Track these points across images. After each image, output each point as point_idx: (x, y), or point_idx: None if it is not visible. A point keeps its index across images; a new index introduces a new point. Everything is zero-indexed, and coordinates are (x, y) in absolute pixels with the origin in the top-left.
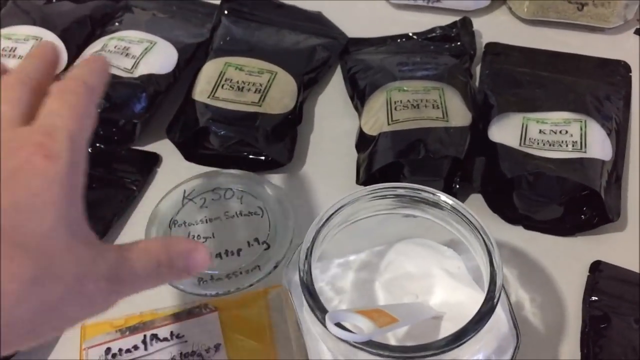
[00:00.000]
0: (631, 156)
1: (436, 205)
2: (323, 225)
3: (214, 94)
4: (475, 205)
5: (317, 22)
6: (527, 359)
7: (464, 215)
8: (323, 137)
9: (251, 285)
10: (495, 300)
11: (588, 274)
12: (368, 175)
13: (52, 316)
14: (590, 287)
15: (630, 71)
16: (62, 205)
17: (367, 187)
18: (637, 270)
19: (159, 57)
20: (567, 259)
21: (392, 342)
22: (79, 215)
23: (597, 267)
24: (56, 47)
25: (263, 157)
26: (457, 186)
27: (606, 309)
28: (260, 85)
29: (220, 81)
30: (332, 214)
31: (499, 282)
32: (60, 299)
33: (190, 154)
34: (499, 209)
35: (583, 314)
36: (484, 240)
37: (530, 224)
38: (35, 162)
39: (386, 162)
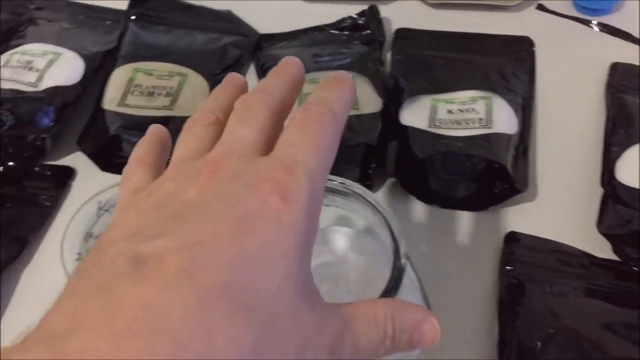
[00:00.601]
0: (538, 127)
1: (339, 192)
2: None
3: (124, 101)
4: (392, 189)
5: (227, 21)
6: (446, 332)
7: (364, 198)
8: None
9: None
10: (400, 270)
11: (503, 245)
12: None
13: None
14: (506, 258)
15: (533, 46)
16: (293, 260)
17: None
18: (549, 237)
19: (64, 69)
20: (484, 233)
21: None
22: (308, 271)
23: (511, 238)
24: (301, 64)
25: None
26: (373, 172)
27: (521, 277)
28: (171, 88)
29: (130, 88)
30: None
31: (402, 252)
32: None
33: (106, 164)
34: (414, 191)
35: (499, 284)
36: (385, 220)
37: (446, 203)
38: (271, 203)
39: None
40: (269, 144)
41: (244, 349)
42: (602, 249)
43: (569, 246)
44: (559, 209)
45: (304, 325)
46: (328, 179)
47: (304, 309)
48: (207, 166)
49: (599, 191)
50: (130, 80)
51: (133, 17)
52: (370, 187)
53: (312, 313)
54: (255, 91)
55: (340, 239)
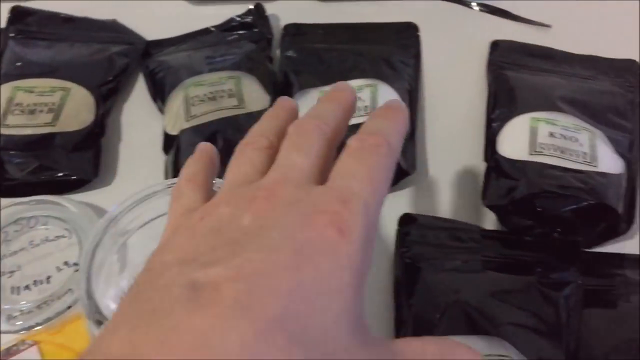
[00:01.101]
0: (426, 110)
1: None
2: (97, 245)
3: (4, 121)
4: None
5: (112, 31)
6: None
7: None
8: (132, 145)
9: (69, 308)
10: None
11: (397, 227)
12: (175, 175)
13: None
14: (401, 240)
15: (418, 31)
16: (348, 295)
17: (138, 193)
18: (442, 215)
19: None
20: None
21: None
22: (361, 306)
23: (405, 220)
24: (354, 91)
25: (70, 178)
26: None
27: (416, 257)
28: (53, 104)
29: (10, 107)
30: (106, 226)
31: None
32: None
33: None
34: None
35: (395, 266)
36: None
37: None
38: (328, 236)
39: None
40: (322, 172)
41: None
42: (492, 222)
43: (461, 222)
44: (449, 187)
45: None
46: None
47: (357, 345)
48: (262, 192)
49: (484, 166)
50: (10, 100)
51: (12, 35)
52: None
53: (364, 349)
54: (309, 117)
55: None
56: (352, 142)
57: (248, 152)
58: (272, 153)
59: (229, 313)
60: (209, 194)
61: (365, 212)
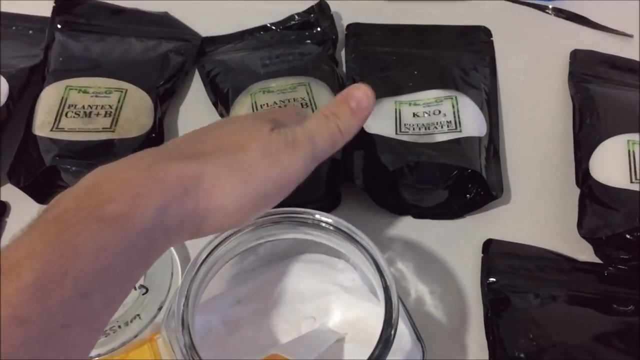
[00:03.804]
0: (505, 124)
1: (317, 226)
2: (198, 269)
3: (58, 125)
4: (362, 202)
5: (165, 25)
6: (435, 356)
7: (350, 236)
8: None
9: (136, 336)
10: (394, 322)
11: (482, 254)
12: None
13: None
14: (486, 268)
15: (491, 36)
16: None
17: None
18: (528, 242)
19: None
20: (460, 242)
21: None
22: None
23: (489, 246)
24: None
25: None
26: (340, 186)
27: (504, 289)
28: (110, 107)
29: (63, 109)
30: (206, 256)
31: (394, 301)
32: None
33: (43, 195)
34: (385, 203)
35: (483, 298)
36: (373, 260)
37: (419, 212)
38: None
39: None
40: None
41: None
42: (583, 251)
43: (549, 251)
44: (535, 211)
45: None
46: (305, 213)
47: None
48: None
49: (574, 189)
50: (63, 100)
51: (59, 26)
52: (338, 201)
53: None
54: None
55: (316, 269)
56: None
57: None
58: None
59: None
60: None
61: None
